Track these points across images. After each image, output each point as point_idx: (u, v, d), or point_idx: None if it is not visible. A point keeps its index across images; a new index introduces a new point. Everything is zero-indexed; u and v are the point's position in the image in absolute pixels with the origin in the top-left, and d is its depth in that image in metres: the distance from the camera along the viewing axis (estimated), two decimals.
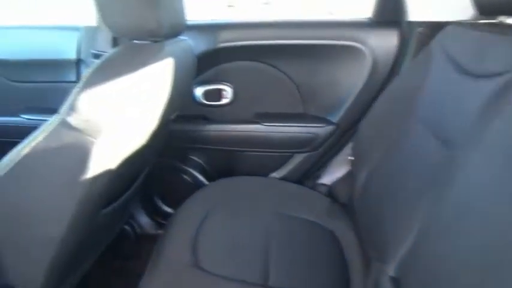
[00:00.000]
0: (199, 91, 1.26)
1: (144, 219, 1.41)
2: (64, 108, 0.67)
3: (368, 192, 0.84)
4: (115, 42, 1.14)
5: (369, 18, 1.16)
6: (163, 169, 1.34)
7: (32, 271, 0.73)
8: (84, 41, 1.24)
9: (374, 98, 1.04)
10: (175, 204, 1.36)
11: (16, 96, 1.34)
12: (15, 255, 0.73)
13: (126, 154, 0.76)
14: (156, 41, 0.78)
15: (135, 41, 0.78)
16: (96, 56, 1.17)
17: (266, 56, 1.21)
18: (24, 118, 1.32)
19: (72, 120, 0.65)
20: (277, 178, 1.32)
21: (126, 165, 0.78)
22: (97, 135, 0.66)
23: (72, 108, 0.65)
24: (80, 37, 1.26)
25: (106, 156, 0.70)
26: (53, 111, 1.32)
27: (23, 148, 0.67)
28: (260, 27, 1.21)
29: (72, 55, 1.27)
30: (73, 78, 1.29)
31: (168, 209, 1.39)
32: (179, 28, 0.86)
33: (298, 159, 1.29)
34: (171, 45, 0.81)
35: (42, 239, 0.71)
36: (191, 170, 1.32)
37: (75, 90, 0.67)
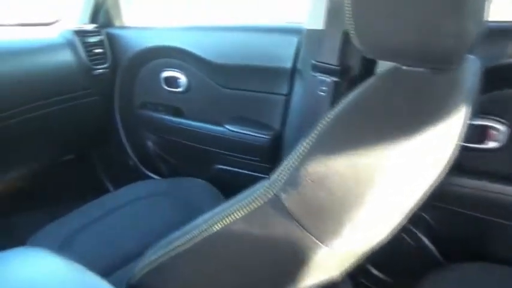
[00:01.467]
0: None
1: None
2: (278, 176, 0.41)
3: None
4: (344, 53, 0.86)
5: None
6: None
7: None
8: (304, 47, 1.00)
9: None
10: (390, 270, 1.03)
11: (222, 103, 1.22)
12: None
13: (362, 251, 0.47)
14: (441, 69, 0.43)
15: (404, 67, 0.45)
16: (316, 68, 0.92)
17: None
18: (227, 129, 1.19)
19: (289, 201, 0.39)
20: None
21: None
22: (325, 236, 0.38)
23: (291, 182, 0.39)
24: (299, 41, 1.03)
25: (330, 265, 0.42)
26: (257, 124, 1.19)
27: (215, 222, 0.45)
28: None
29: (287, 63, 1.05)
30: (284, 91, 1.07)
31: (379, 274, 1.06)
32: (474, 44, 0.49)
33: None
34: (463, 74, 0.46)
35: None
36: (418, 233, 0.94)
37: (299, 151, 0.40)
